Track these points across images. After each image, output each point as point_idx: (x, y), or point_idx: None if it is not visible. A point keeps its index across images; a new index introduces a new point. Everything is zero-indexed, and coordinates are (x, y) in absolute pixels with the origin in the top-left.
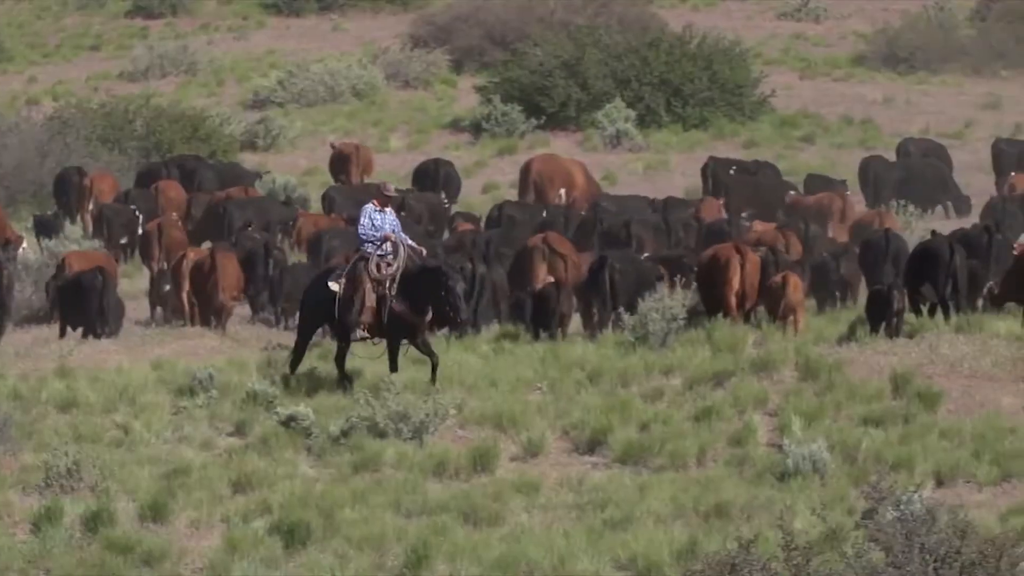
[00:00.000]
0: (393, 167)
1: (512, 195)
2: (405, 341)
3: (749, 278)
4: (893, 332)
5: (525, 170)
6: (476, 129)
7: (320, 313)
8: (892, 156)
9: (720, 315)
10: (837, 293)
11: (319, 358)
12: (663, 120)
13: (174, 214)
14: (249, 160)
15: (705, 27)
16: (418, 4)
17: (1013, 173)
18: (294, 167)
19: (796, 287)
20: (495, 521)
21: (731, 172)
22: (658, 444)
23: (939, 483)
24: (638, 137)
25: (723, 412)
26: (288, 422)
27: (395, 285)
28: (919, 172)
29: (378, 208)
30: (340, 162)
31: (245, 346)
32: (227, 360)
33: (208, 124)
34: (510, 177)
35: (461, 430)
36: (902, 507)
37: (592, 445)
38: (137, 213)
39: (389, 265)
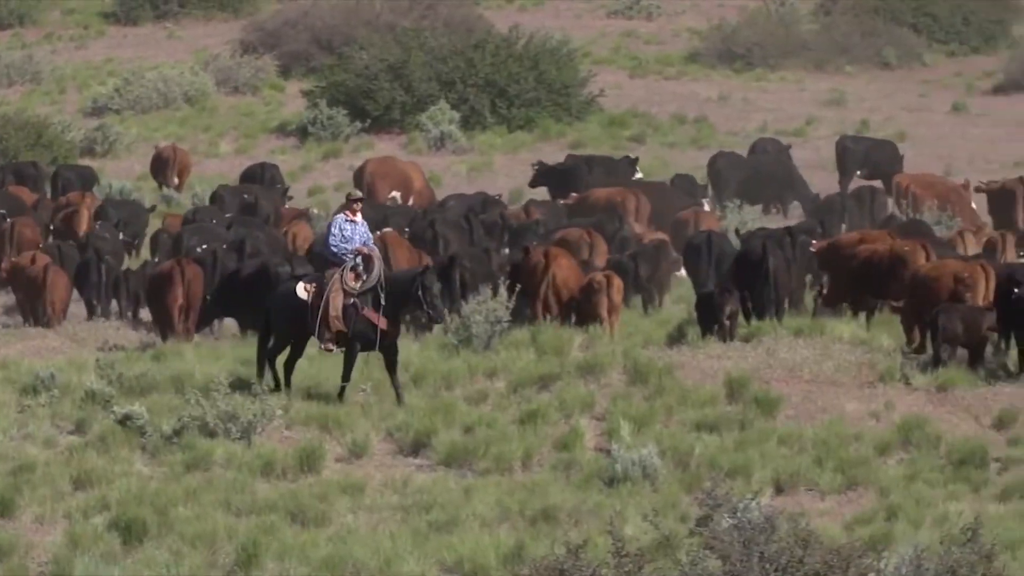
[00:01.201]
0: (222, 171)
1: (338, 198)
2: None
3: (564, 279)
4: (726, 335)
5: (360, 172)
6: (303, 133)
7: (292, 320)
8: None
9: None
10: (642, 294)
11: (152, 359)
12: (487, 122)
13: (28, 215)
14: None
15: (533, 27)
16: (248, 11)
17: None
18: (130, 172)
19: (619, 288)
20: (322, 521)
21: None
22: (483, 447)
23: (779, 491)
24: (462, 139)
25: (549, 415)
26: (124, 421)
27: (367, 295)
28: (766, 170)
29: (349, 218)
30: (159, 164)
31: (84, 346)
32: (67, 360)
33: (51, 131)
34: (334, 180)
35: (288, 431)
36: (739, 514)
37: (416, 447)
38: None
39: (359, 277)
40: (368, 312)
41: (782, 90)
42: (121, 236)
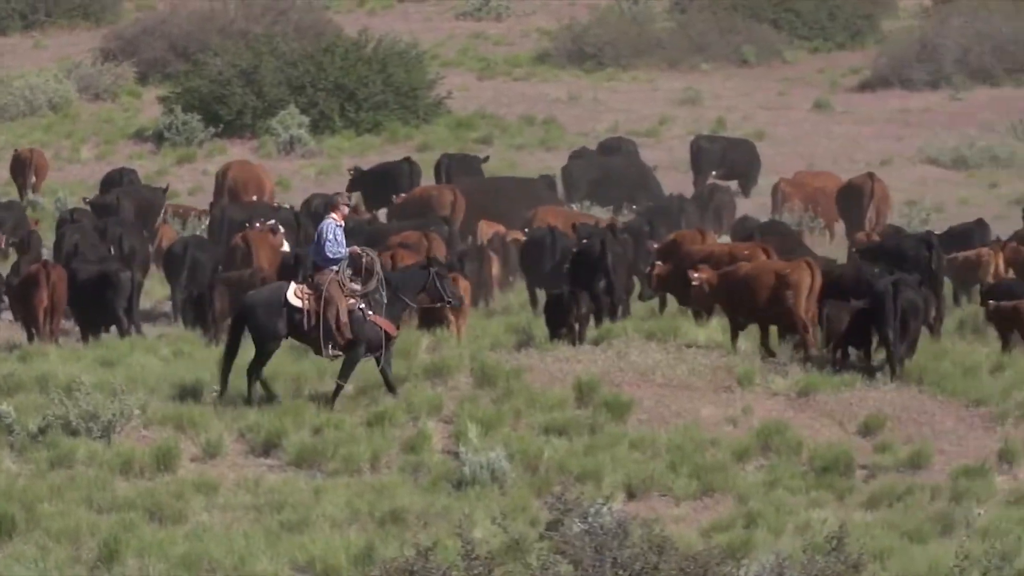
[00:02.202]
0: (83, 176)
1: (193, 202)
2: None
3: None
4: (575, 338)
5: (222, 175)
6: (159, 138)
7: (279, 327)
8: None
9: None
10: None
11: (19, 359)
12: (336, 125)
13: None
14: None
15: (383, 31)
16: (110, 20)
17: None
18: None
19: (466, 290)
20: (178, 519)
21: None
22: (331, 448)
23: (631, 496)
24: (311, 143)
25: (396, 418)
26: None
27: (368, 297)
28: (618, 171)
29: (339, 223)
30: (18, 166)
31: None
32: None
33: None
34: (189, 184)
35: (145, 430)
36: (590, 519)
37: (267, 448)
38: None
39: (355, 280)
40: (375, 318)
41: (634, 90)
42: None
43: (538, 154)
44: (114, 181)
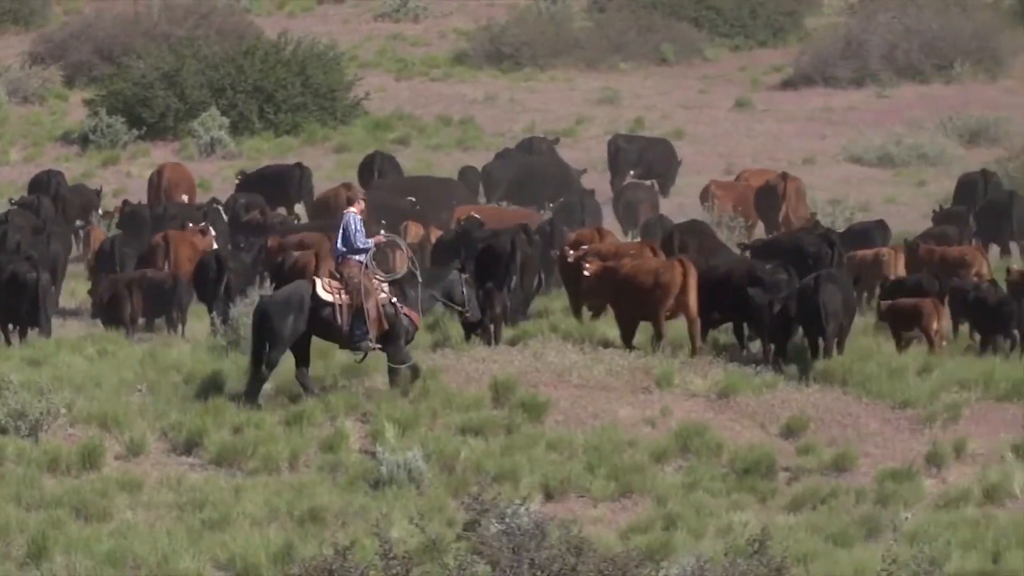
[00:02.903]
0: (12, 179)
1: (117, 203)
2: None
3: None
4: (491, 338)
5: (157, 176)
6: (84, 141)
7: (299, 327)
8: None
9: None
10: None
11: None
12: (256, 127)
13: None
14: None
15: (302, 33)
16: (39, 24)
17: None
18: None
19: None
20: (104, 517)
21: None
22: (251, 447)
23: (548, 497)
24: (231, 144)
25: (314, 417)
26: None
27: (395, 288)
28: (539, 170)
29: (361, 216)
30: None
31: None
32: None
33: None
34: (114, 186)
35: (72, 428)
36: (507, 520)
37: (189, 446)
38: None
39: (382, 271)
40: (407, 310)
41: (552, 90)
42: None
43: (455, 155)
44: (42, 183)
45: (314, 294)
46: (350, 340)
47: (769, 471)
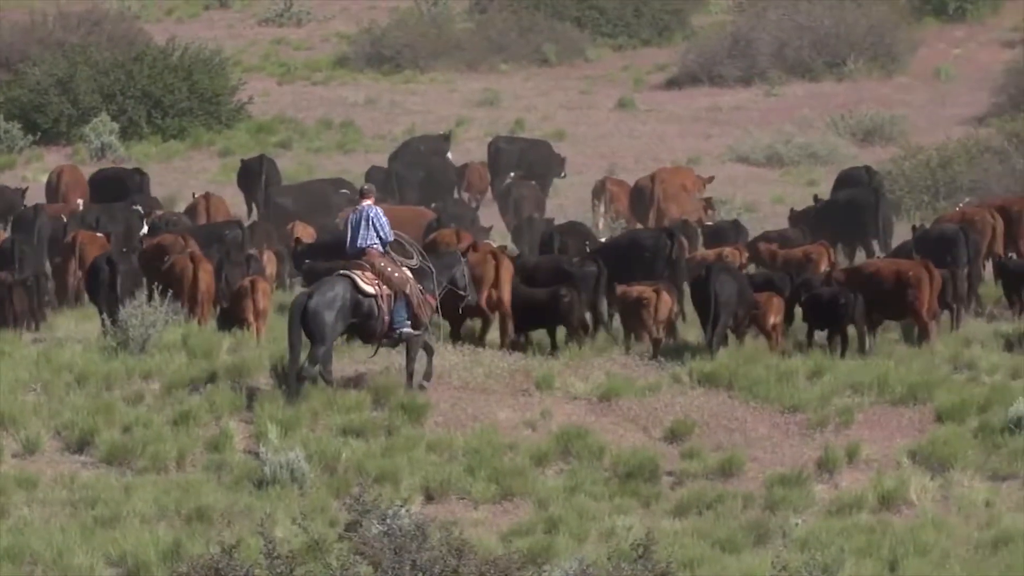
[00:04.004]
0: None
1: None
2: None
3: (204, 282)
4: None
5: (56, 179)
6: None
7: (346, 322)
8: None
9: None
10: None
11: None
12: (144, 132)
13: None
14: None
15: (189, 38)
16: None
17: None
18: None
19: (265, 293)
20: (1, 513)
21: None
22: (140, 446)
23: (429, 498)
24: (121, 149)
25: (200, 417)
26: None
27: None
28: (439, 171)
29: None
30: None
31: None
32: None
33: None
34: None
35: None
36: (389, 521)
37: (82, 445)
38: None
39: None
40: (429, 297)
41: (432, 91)
42: None
43: (336, 157)
44: None
45: (356, 287)
46: (389, 329)
47: (653, 475)
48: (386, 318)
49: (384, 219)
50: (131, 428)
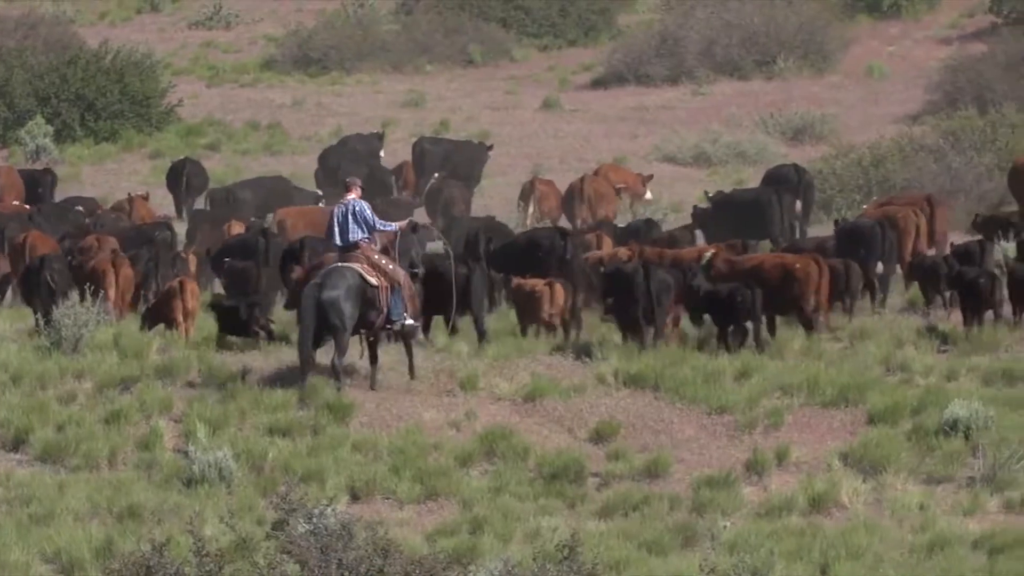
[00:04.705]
0: None
1: None
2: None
3: (124, 282)
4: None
5: None
6: None
7: (360, 309)
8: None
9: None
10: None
11: None
12: (77, 134)
13: None
14: None
15: (121, 42)
16: None
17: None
18: None
19: (194, 293)
20: None
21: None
22: (73, 445)
23: (355, 498)
24: (55, 152)
25: (131, 416)
26: None
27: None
28: (380, 171)
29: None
30: None
31: None
32: None
33: None
34: None
35: None
36: (315, 520)
37: (16, 443)
38: None
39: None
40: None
41: (358, 93)
42: None
43: (263, 159)
44: None
45: (363, 278)
46: (387, 321)
47: (578, 476)
48: (384, 310)
49: (369, 212)
50: (64, 427)
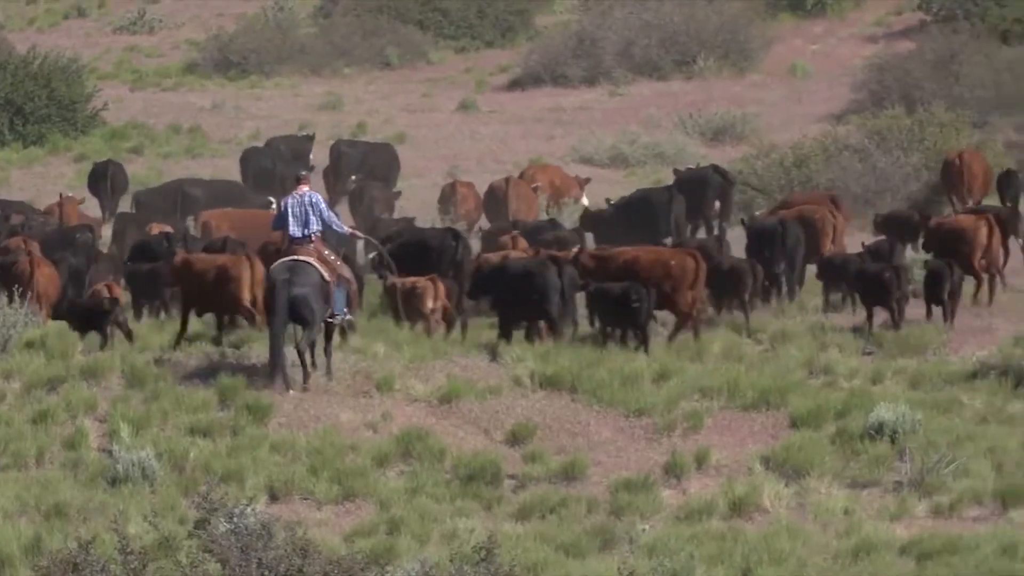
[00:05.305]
0: None
1: None
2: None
3: (41, 284)
4: (217, 340)
5: None
6: None
7: (322, 304)
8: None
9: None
10: None
11: None
12: (6, 139)
13: None
14: None
15: (49, 47)
16: None
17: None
18: None
19: (119, 296)
20: None
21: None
22: (2, 444)
23: (274, 498)
24: None
25: (57, 416)
26: None
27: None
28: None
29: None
30: None
31: None
32: None
33: None
34: None
35: None
36: (235, 520)
37: None
38: None
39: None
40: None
41: (276, 96)
42: None
43: (184, 162)
44: None
45: (321, 274)
46: (331, 316)
47: (495, 478)
48: (332, 304)
49: (325, 206)
50: None
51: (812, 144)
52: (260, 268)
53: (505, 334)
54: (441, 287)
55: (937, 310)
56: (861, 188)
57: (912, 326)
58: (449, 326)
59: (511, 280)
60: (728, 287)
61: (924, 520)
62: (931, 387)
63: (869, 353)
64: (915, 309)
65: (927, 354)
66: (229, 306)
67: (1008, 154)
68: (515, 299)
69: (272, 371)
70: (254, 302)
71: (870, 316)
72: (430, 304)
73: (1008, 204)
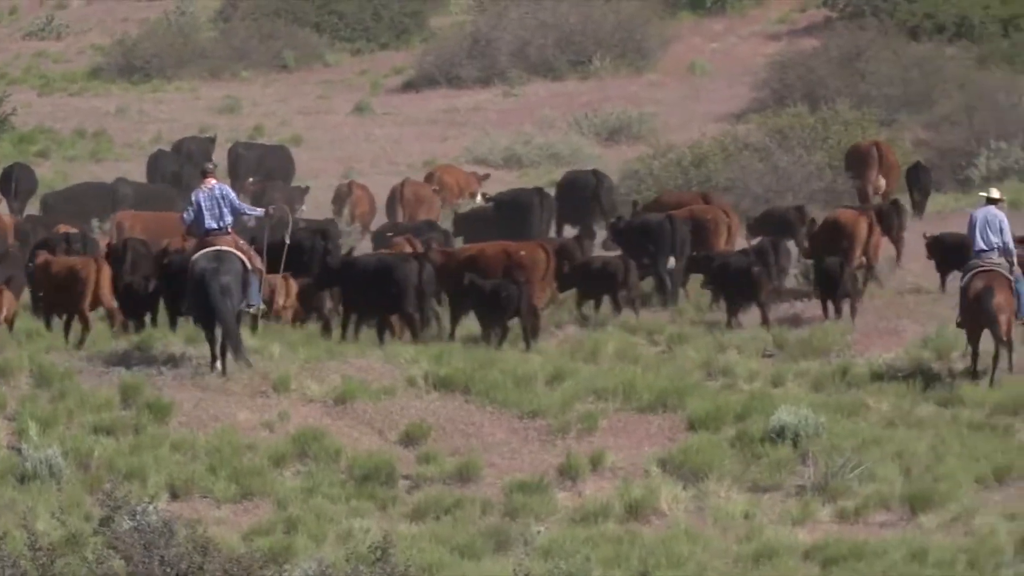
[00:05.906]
0: None
1: None
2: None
3: None
4: (115, 337)
5: None
6: None
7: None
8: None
9: None
10: None
11: None
12: None
13: None
14: None
15: None
16: None
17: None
18: None
19: (10, 302)
20: None
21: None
22: None
23: (174, 496)
24: None
25: None
26: None
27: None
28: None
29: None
30: None
31: None
32: None
33: None
34: None
35: None
36: (138, 517)
37: None
38: None
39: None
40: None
41: (178, 100)
42: None
43: (88, 166)
44: None
45: (242, 262)
46: (247, 305)
47: (389, 478)
48: (249, 293)
49: (233, 195)
50: None
51: (711, 143)
52: (107, 271)
53: (350, 329)
54: (292, 284)
55: (845, 309)
56: (762, 188)
57: (815, 327)
58: (294, 322)
59: (364, 275)
60: (600, 285)
61: (829, 525)
62: (835, 390)
63: (769, 355)
64: (815, 309)
65: (830, 356)
66: (72, 308)
67: (916, 152)
68: (369, 294)
69: (213, 360)
70: (99, 304)
71: (732, 314)
72: (281, 301)
73: (916, 198)
